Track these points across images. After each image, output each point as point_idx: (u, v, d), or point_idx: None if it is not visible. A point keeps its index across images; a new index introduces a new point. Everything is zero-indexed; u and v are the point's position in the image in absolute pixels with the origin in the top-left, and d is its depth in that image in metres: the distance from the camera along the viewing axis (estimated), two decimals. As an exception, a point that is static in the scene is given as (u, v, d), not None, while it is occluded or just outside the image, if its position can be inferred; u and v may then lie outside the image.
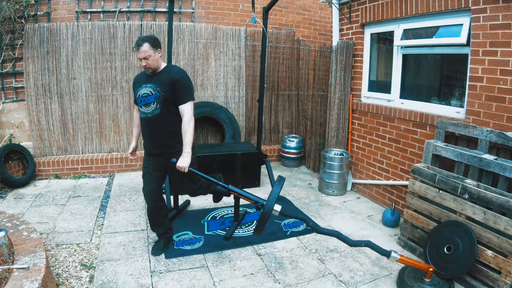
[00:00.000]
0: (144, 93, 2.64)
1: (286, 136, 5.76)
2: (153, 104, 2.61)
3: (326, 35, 6.42)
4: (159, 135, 2.68)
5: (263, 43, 4.24)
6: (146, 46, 2.51)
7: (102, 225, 3.45)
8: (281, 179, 2.51)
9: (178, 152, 2.64)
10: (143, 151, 2.92)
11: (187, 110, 2.60)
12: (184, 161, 2.57)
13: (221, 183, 2.71)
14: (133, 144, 3.01)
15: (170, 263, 2.81)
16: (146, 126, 2.73)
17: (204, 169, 3.48)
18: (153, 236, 3.12)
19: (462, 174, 2.90)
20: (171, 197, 3.74)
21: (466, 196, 2.58)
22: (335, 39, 4.66)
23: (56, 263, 2.75)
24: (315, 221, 3.65)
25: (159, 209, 2.85)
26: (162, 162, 2.74)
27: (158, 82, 2.61)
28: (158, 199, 2.82)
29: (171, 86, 2.58)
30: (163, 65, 2.69)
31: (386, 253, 2.43)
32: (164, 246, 2.98)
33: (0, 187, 4.24)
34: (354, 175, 4.60)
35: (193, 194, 3.26)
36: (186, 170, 2.58)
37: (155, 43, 2.56)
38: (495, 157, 2.66)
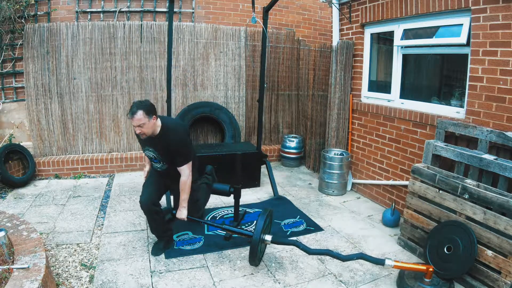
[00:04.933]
0: (149, 155, 2.82)
1: (286, 136, 5.75)
2: (160, 163, 2.80)
3: (326, 35, 6.42)
4: (171, 180, 2.91)
5: (263, 43, 4.24)
6: (140, 114, 2.47)
7: (102, 225, 3.45)
8: (265, 212, 2.73)
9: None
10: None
11: (184, 171, 2.73)
12: (181, 214, 2.80)
13: (215, 224, 2.95)
14: (146, 169, 3.11)
15: (170, 263, 2.81)
16: (158, 173, 2.92)
17: (203, 169, 3.49)
18: (153, 236, 3.12)
19: (462, 174, 2.90)
20: (171, 197, 3.73)
21: (466, 196, 2.58)
22: (335, 39, 4.66)
23: (56, 263, 2.75)
24: (315, 221, 3.66)
25: (155, 213, 2.86)
26: (167, 182, 2.95)
27: (157, 148, 2.71)
28: (154, 204, 2.83)
29: (169, 153, 2.68)
30: (159, 127, 2.66)
31: (381, 262, 2.44)
32: (164, 246, 2.98)
33: (0, 187, 4.24)
34: (354, 175, 4.60)
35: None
36: (185, 220, 2.84)
37: (149, 110, 2.52)
38: (495, 157, 2.66)
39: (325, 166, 4.40)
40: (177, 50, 5.25)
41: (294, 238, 3.28)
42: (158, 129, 2.66)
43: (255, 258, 2.63)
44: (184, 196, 2.75)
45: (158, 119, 2.66)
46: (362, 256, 2.49)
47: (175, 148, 2.67)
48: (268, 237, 2.68)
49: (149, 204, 2.78)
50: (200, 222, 3.02)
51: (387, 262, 2.41)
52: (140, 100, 2.71)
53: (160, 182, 2.92)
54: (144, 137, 2.62)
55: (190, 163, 2.75)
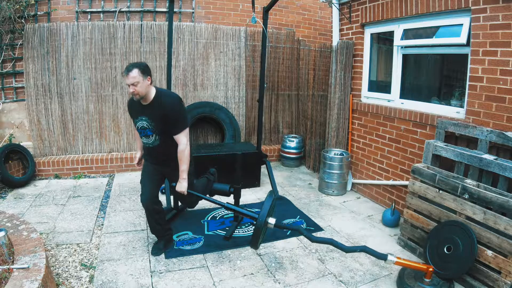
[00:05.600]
0: (141, 126, 2.69)
1: (286, 136, 5.75)
2: (152, 136, 2.68)
3: (326, 35, 6.42)
4: (161, 159, 2.80)
5: (263, 43, 4.24)
6: (135, 72, 2.45)
7: (102, 225, 3.45)
8: (271, 195, 2.63)
9: (178, 167, 2.72)
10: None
11: (181, 139, 2.65)
12: (181, 186, 2.72)
13: (218, 202, 2.85)
14: (138, 155, 3.06)
15: (170, 263, 2.81)
16: (149, 152, 2.82)
17: (202, 169, 3.49)
18: (153, 236, 3.12)
19: (462, 174, 2.90)
20: (171, 197, 3.73)
21: (466, 196, 2.58)
22: (335, 39, 4.66)
23: (56, 263, 2.75)
24: (315, 221, 3.66)
25: (157, 213, 2.86)
26: (161, 170, 2.87)
27: (151, 115, 2.62)
28: (154, 203, 2.83)
29: (163, 119, 2.60)
30: (153, 92, 2.61)
31: (383, 257, 2.43)
32: (164, 246, 2.98)
33: (0, 187, 4.24)
34: (354, 175, 4.60)
35: (191, 206, 3.29)
36: (185, 193, 2.75)
37: (144, 70, 2.50)
38: (495, 157, 2.66)
39: (325, 166, 4.40)
40: (177, 50, 5.25)
41: (294, 238, 3.29)
42: (153, 95, 2.61)
43: (258, 242, 2.54)
44: (184, 166, 2.67)
45: (153, 87, 2.63)
46: (365, 249, 2.47)
47: (171, 113, 2.59)
48: (272, 220, 2.57)
49: (149, 203, 2.78)
50: (202, 197, 2.90)
51: (389, 257, 2.40)
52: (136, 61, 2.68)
53: (156, 174, 2.85)
54: (137, 98, 2.56)
55: (187, 130, 2.68)
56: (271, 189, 4.40)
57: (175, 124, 2.62)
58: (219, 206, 3.92)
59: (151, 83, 2.59)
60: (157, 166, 2.85)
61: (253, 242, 2.54)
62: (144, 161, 2.94)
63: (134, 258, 2.87)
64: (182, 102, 2.73)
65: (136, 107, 2.68)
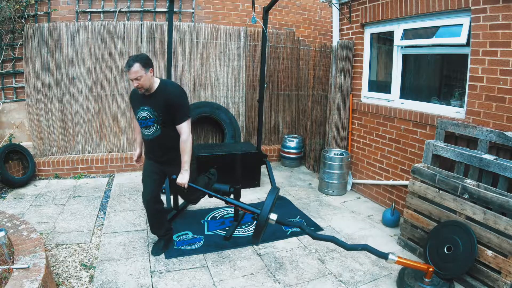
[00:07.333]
0: (142, 117, 2.67)
1: (286, 136, 5.76)
2: (153, 127, 2.66)
3: (326, 35, 6.42)
4: (161, 152, 2.76)
5: (263, 43, 4.24)
6: (136, 67, 2.44)
7: (102, 225, 3.45)
8: (275, 190, 2.57)
9: (179, 163, 2.70)
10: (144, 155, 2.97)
11: (184, 129, 2.64)
12: (183, 178, 2.66)
13: (219, 196, 2.78)
14: (137, 151, 3.04)
15: (170, 263, 2.81)
16: (148, 144, 2.79)
17: (203, 169, 3.49)
18: (153, 236, 3.12)
19: (462, 174, 2.90)
20: (171, 197, 3.73)
21: (466, 196, 2.58)
22: (335, 39, 4.66)
23: (56, 263, 2.75)
24: (315, 221, 3.66)
25: (158, 212, 2.86)
26: (162, 168, 2.84)
27: (154, 105, 2.60)
28: (156, 202, 2.83)
29: (167, 108, 2.59)
30: (157, 83, 2.62)
31: (384, 256, 2.42)
32: (164, 246, 2.98)
33: (0, 187, 4.24)
34: (354, 175, 4.60)
35: (193, 202, 3.27)
36: (186, 186, 2.68)
37: (146, 63, 2.49)
38: (495, 157, 2.66)
39: (325, 166, 4.40)
40: (177, 50, 5.24)
41: (295, 238, 3.29)
42: (156, 86, 2.61)
43: (260, 237, 2.49)
44: (186, 157, 2.64)
45: (156, 78, 2.63)
46: (366, 247, 2.46)
47: (175, 102, 2.58)
48: (273, 216, 2.47)
49: (151, 203, 2.79)
50: (202, 190, 2.80)
51: (391, 256, 2.39)
52: (136, 54, 2.65)
53: (158, 172, 2.83)
54: (142, 91, 2.56)
55: (189, 120, 2.68)
56: (271, 187, 4.40)
57: (179, 112, 2.60)
58: (219, 206, 3.96)
59: (153, 75, 2.59)
60: (158, 164, 2.82)
61: (255, 238, 2.49)
62: (145, 159, 2.91)
63: (134, 258, 2.87)
64: (185, 94, 2.71)
65: (138, 97, 2.67)
